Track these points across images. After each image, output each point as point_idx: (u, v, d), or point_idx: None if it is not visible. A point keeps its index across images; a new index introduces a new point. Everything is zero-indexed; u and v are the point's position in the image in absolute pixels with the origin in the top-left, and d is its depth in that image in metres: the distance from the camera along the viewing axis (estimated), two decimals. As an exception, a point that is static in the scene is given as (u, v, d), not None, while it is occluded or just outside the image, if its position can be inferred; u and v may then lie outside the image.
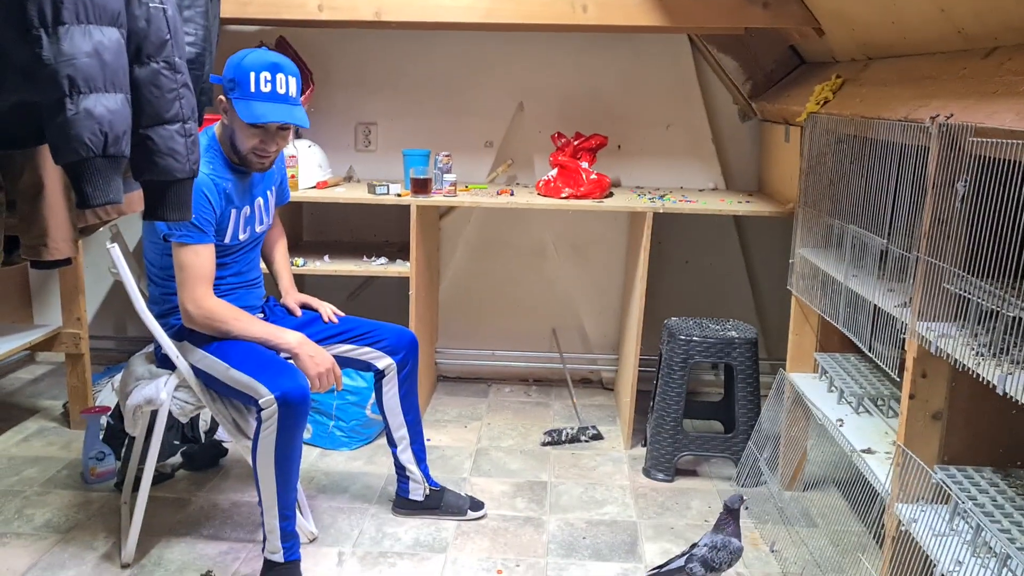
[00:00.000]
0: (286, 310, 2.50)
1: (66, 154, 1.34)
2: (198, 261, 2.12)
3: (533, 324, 3.76)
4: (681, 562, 2.14)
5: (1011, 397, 1.39)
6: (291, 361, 2.18)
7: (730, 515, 2.16)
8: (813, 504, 2.67)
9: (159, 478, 2.72)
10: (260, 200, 2.34)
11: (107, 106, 1.35)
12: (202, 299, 2.13)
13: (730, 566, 2.14)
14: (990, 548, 1.59)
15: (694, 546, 2.17)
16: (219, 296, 2.19)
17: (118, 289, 3.74)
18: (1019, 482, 1.76)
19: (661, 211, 2.99)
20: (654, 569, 2.19)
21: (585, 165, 3.15)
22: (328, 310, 2.51)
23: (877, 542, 2.01)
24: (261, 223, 2.35)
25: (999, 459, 1.83)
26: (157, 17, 1.46)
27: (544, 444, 3.14)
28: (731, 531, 2.15)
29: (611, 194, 3.24)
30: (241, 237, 2.27)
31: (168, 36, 1.47)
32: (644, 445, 3.05)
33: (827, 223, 2.41)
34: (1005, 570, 1.52)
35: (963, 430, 1.82)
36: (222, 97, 2.17)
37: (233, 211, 2.21)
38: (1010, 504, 1.66)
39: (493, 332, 3.79)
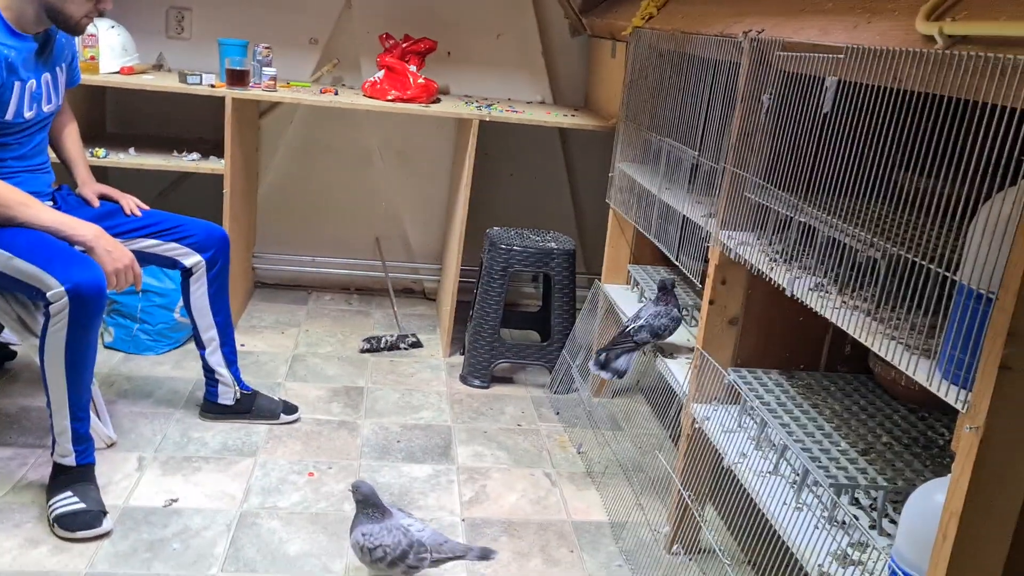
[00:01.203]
0: (82, 200, 2.31)
1: None
2: None
3: (356, 232, 3.68)
4: (630, 335, 2.20)
5: (798, 299, 1.49)
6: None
7: (666, 293, 2.23)
8: (619, 409, 2.80)
9: (-65, 381, 2.50)
10: (48, 76, 2.12)
11: None
12: None
13: (672, 333, 2.20)
14: (772, 442, 1.72)
15: (636, 320, 2.22)
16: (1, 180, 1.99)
17: None
18: (800, 383, 1.90)
19: (487, 119, 2.97)
20: (604, 348, 2.24)
21: (413, 69, 3.07)
22: (131, 202, 2.34)
23: (674, 442, 2.13)
24: (49, 102, 2.14)
25: (785, 362, 1.97)
26: None
27: (363, 351, 3.11)
28: (670, 303, 2.23)
29: (439, 100, 3.18)
30: (27, 115, 2.06)
31: None
32: (462, 353, 3.08)
33: (646, 137, 2.47)
34: (782, 461, 1.65)
35: (755, 335, 1.94)
36: None
37: (17, 83, 2.00)
38: (791, 403, 1.79)
39: (314, 239, 3.68)
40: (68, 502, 1.94)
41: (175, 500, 2.10)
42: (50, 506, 1.95)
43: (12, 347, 2.70)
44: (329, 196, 3.63)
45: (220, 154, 2.92)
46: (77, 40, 2.35)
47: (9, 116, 2.01)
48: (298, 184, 3.60)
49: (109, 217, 2.27)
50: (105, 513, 1.96)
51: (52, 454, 2.01)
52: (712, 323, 1.91)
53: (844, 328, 1.33)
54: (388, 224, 3.69)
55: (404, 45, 3.09)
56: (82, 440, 2.00)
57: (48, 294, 1.87)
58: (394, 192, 3.65)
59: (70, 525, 1.91)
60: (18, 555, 1.84)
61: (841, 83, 1.40)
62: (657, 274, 2.64)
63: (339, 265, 3.72)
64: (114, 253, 2.02)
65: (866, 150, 1.42)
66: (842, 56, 1.35)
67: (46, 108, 2.14)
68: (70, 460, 1.99)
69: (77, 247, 2.01)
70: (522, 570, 1.96)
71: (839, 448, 1.61)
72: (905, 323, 1.28)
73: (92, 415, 2.06)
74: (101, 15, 2.18)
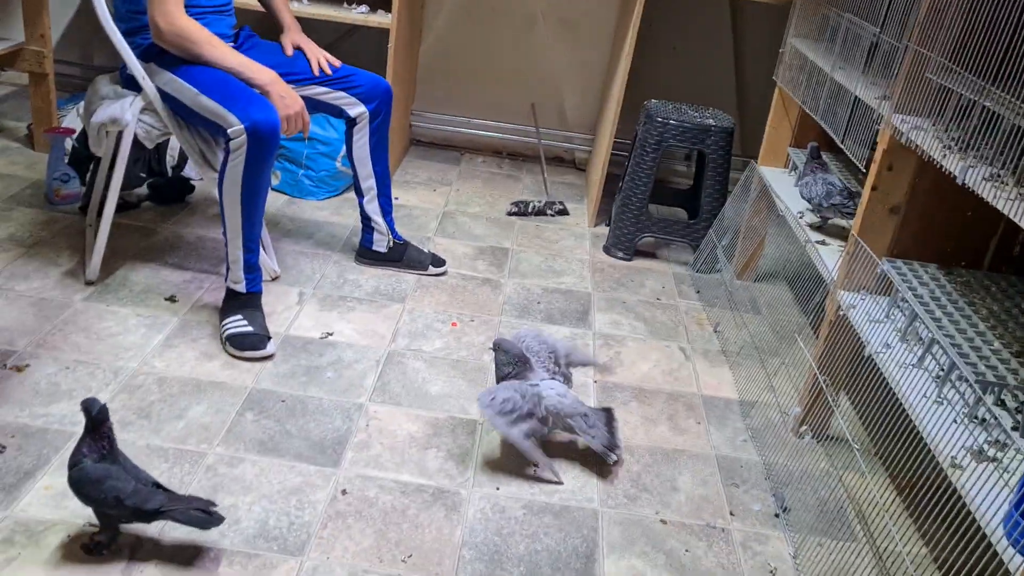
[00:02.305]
0: (260, 43, 2.41)
1: None
2: None
3: (513, 96, 3.69)
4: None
5: (970, 188, 1.42)
6: None
7: (814, 161, 2.27)
8: (761, 293, 2.77)
9: (125, 206, 2.73)
10: None
11: None
12: (173, 14, 2.04)
13: (835, 197, 2.18)
14: (919, 336, 1.68)
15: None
16: None
17: (84, 13, 3.58)
18: (959, 280, 1.83)
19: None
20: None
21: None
22: (321, 58, 2.43)
23: (814, 330, 2.11)
24: None
25: (946, 257, 1.90)
26: None
27: (510, 214, 3.18)
28: (819, 168, 2.25)
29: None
30: None
31: None
32: (608, 224, 3.10)
33: (824, 13, 2.34)
34: (928, 355, 1.62)
35: (916, 226, 1.87)
36: None
37: None
38: (946, 298, 1.73)
39: (471, 100, 3.72)
40: (238, 324, 2.13)
41: (330, 334, 2.26)
42: (223, 326, 2.15)
43: (192, 181, 2.91)
44: (489, 59, 3.64)
45: (388, 8, 2.96)
46: None
47: None
48: (459, 45, 3.62)
49: (286, 63, 2.37)
50: (269, 338, 2.13)
51: (226, 280, 2.19)
52: (872, 210, 1.84)
53: (1017, 221, 1.27)
54: (545, 90, 3.68)
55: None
56: (252, 269, 2.17)
57: (229, 131, 2.00)
58: (554, 58, 3.62)
59: (240, 344, 2.10)
60: (195, 366, 2.05)
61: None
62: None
63: (493, 128, 3.77)
64: (287, 99, 2.12)
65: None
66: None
67: None
68: (241, 287, 2.17)
69: (255, 89, 2.12)
70: (649, 435, 2.03)
71: (991, 347, 1.56)
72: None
73: (260, 249, 2.22)
74: None
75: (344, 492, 1.71)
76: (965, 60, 1.53)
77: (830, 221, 2.23)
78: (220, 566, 1.50)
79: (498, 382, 1.88)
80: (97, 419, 1.40)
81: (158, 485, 1.48)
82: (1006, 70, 1.42)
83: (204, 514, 1.47)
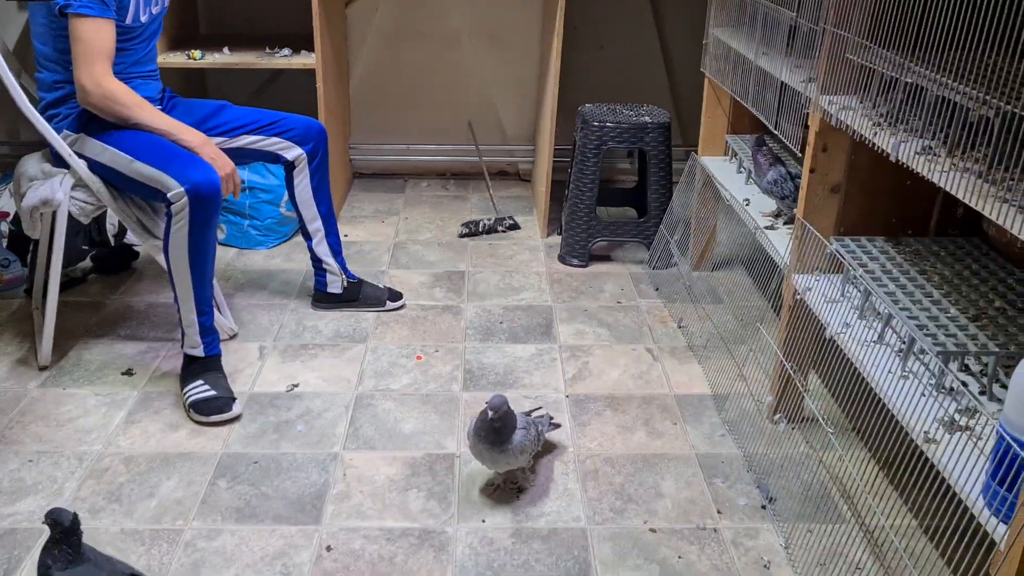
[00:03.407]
0: (187, 105, 2.38)
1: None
2: (99, 36, 1.99)
3: (449, 117, 3.68)
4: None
5: (904, 164, 1.43)
6: None
7: (761, 147, 2.30)
8: (719, 282, 2.78)
9: (70, 283, 2.68)
10: None
11: None
12: (101, 77, 2.01)
13: (783, 187, 2.20)
14: (876, 311, 1.70)
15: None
16: None
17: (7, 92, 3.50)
18: (908, 249, 1.85)
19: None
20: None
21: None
22: None
23: (776, 313, 2.12)
24: (158, 3, 2.20)
25: (892, 229, 1.92)
26: None
27: (462, 236, 3.17)
28: (770, 159, 2.26)
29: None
30: (142, 18, 2.13)
31: None
32: (559, 233, 3.10)
33: (741, 0, 2.36)
34: (888, 329, 1.63)
35: (859, 202, 1.89)
36: None
37: None
38: (898, 270, 1.75)
39: (408, 126, 3.70)
40: (200, 389, 2.09)
41: (296, 385, 2.23)
42: (185, 393, 2.11)
43: (136, 247, 2.86)
44: (420, 82, 3.62)
45: (311, 48, 2.94)
46: None
47: (128, 20, 2.08)
48: (389, 72, 3.60)
49: (212, 117, 2.34)
50: (234, 399, 2.10)
51: (182, 346, 2.15)
52: (813, 191, 1.86)
53: (953, 193, 1.28)
54: (480, 106, 3.67)
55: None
56: (208, 332, 2.13)
57: (169, 195, 1.97)
58: (485, 74, 3.61)
59: (204, 411, 2.06)
60: (161, 439, 2.01)
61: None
62: (756, 143, 2.57)
63: (433, 151, 3.75)
64: (218, 161, 2.09)
65: (978, 3, 1.33)
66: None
67: (155, 10, 2.20)
68: (199, 351, 2.13)
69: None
70: (627, 443, 2.03)
71: (948, 315, 1.58)
72: (1021, 184, 1.22)
73: (215, 308, 2.19)
74: None
75: (329, 548, 1.69)
76: (881, 37, 1.55)
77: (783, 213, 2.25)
78: (211, 646, 1.47)
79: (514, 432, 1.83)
80: (71, 530, 1.36)
81: (136, 575, 1.44)
82: (921, 43, 1.44)
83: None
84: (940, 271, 1.76)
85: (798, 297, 1.88)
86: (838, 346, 1.68)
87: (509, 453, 1.76)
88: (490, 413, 1.71)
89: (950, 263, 1.79)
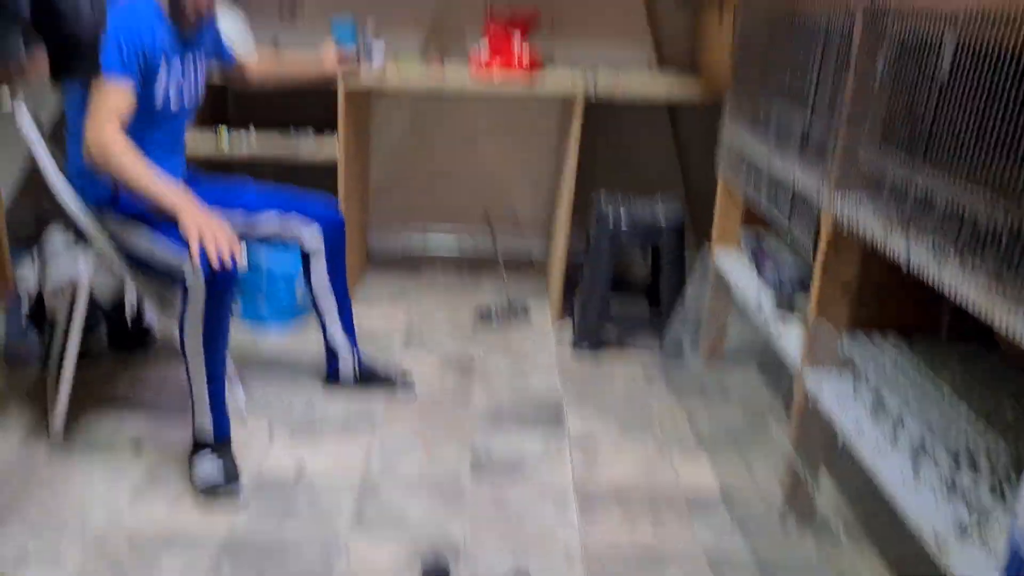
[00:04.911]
0: (209, 181, 2.43)
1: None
2: (114, 95, 2.03)
3: (465, 205, 3.75)
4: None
5: (914, 267, 1.45)
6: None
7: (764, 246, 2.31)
8: (730, 376, 2.78)
9: (85, 356, 2.69)
10: (192, 57, 2.25)
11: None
12: (102, 128, 2.00)
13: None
14: (888, 411, 1.69)
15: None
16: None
17: (35, 162, 3.59)
18: (920, 350, 1.85)
19: (593, 101, 2.96)
20: None
21: (518, 39, 3.09)
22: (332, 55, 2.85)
23: (787, 409, 2.11)
24: (190, 91, 2.26)
25: (904, 328, 1.93)
26: None
27: (474, 321, 3.19)
28: (776, 251, 2.28)
29: (543, 68, 3.19)
30: (173, 107, 2.19)
31: None
32: (572, 321, 3.12)
33: (755, 104, 2.43)
34: (899, 429, 1.63)
35: (872, 300, 1.91)
36: None
37: (164, 57, 2.12)
38: (910, 370, 1.76)
39: (425, 212, 3.77)
40: (208, 468, 2.09)
41: (304, 466, 2.22)
42: (192, 472, 2.10)
43: (152, 323, 2.89)
44: (438, 171, 3.71)
45: (333, 127, 3.02)
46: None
47: (159, 104, 2.15)
48: (408, 160, 3.69)
49: (233, 194, 2.39)
50: (241, 480, 2.09)
51: (192, 424, 2.15)
52: (825, 289, 1.88)
53: (961, 302, 1.30)
54: (496, 195, 3.74)
55: (508, 16, 3.11)
56: (219, 410, 2.13)
57: (185, 275, 2.00)
58: (501, 164, 3.70)
59: (211, 490, 2.06)
60: (167, 517, 2.00)
61: (959, 45, 1.35)
62: (771, 239, 2.60)
63: (450, 237, 3.81)
64: (203, 224, 1.99)
65: (988, 111, 1.37)
66: (960, 17, 1.31)
67: (187, 101, 2.25)
68: (209, 429, 2.13)
69: (167, 210, 2.03)
70: (633, 540, 2.00)
71: (961, 417, 1.58)
72: (1029, 292, 1.24)
73: (226, 386, 2.20)
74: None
75: (329, 636, 1.66)
76: (893, 140, 1.59)
77: (794, 306, 2.27)
78: None
79: None
80: None
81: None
82: (931, 148, 1.48)
83: None
84: (952, 374, 1.76)
85: (809, 394, 1.88)
86: (849, 445, 1.68)
87: None
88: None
89: (962, 366, 1.79)
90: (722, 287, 2.64)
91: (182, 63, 2.21)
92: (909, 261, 1.46)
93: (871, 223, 1.62)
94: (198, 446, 2.14)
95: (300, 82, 2.83)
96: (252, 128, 3.09)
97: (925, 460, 1.53)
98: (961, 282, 1.32)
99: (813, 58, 2.00)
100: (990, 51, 1.28)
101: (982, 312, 1.24)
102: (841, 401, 1.77)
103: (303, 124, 3.23)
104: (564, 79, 3.08)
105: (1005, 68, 1.26)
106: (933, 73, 1.45)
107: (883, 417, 1.71)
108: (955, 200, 1.39)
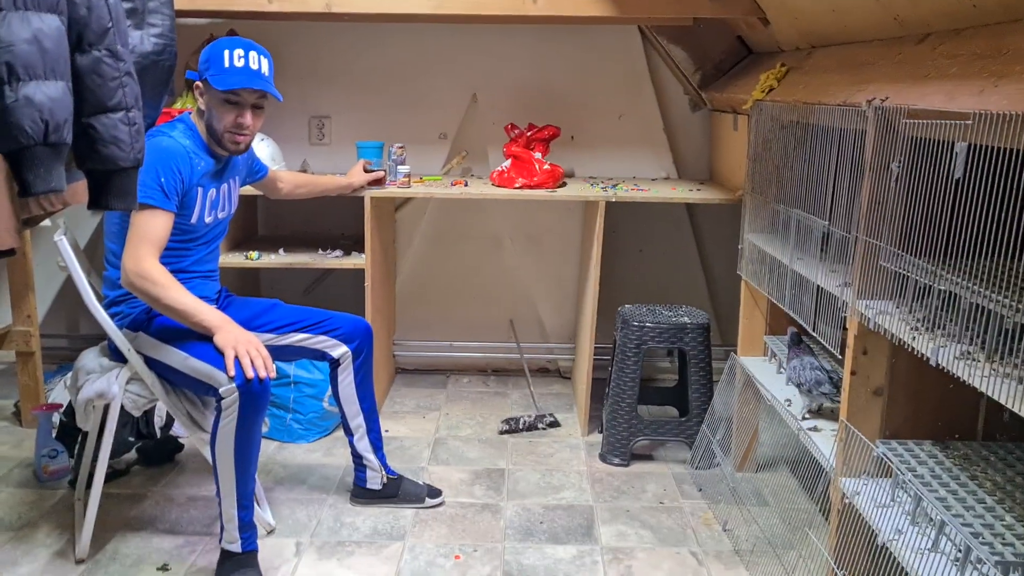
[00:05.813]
0: (240, 302, 2.48)
1: (6, 142, 1.33)
2: (152, 223, 2.10)
3: (490, 315, 3.78)
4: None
5: (944, 368, 1.44)
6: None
7: (796, 347, 2.30)
8: (764, 483, 2.73)
9: (114, 474, 2.70)
10: (226, 185, 2.35)
11: (48, 94, 1.34)
12: (142, 259, 2.07)
13: (822, 383, 2.17)
14: (929, 518, 1.65)
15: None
16: None
17: (70, 286, 3.69)
18: (956, 454, 1.82)
19: (613, 200, 3.02)
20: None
21: (539, 156, 3.17)
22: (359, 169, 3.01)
23: (825, 517, 2.06)
24: (224, 209, 2.36)
25: (938, 432, 1.89)
26: (99, 5, 1.45)
27: (502, 432, 3.17)
28: (802, 352, 2.27)
29: (564, 184, 3.26)
30: (207, 220, 2.28)
31: (110, 24, 1.46)
32: (600, 431, 3.09)
33: (773, 208, 2.46)
34: (942, 536, 1.58)
35: (904, 405, 1.88)
36: (198, 83, 2.23)
37: (200, 188, 2.21)
38: (947, 475, 1.72)
39: (451, 323, 3.80)
40: (236, 585, 2.06)
41: (331, 585, 2.18)
42: (219, 589, 2.07)
43: (180, 439, 2.90)
44: (463, 281, 3.76)
45: (361, 249, 3.09)
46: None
47: (193, 220, 2.23)
48: (434, 272, 3.75)
49: (263, 315, 2.44)
50: (268, 598, 2.06)
51: (220, 540, 2.13)
52: (856, 394, 1.86)
53: (995, 398, 1.29)
54: (521, 305, 3.77)
55: (529, 133, 3.20)
56: (247, 527, 2.12)
57: (220, 389, 2.02)
58: (526, 274, 3.74)
59: (237, 610, 2.02)
60: (191, 640, 1.96)
61: (972, 147, 1.38)
62: (795, 344, 2.60)
63: (475, 348, 3.82)
64: (240, 341, 2.07)
65: (1004, 211, 1.39)
66: (970, 122, 1.34)
67: (221, 215, 2.36)
68: (236, 547, 2.11)
69: (204, 331, 2.11)
70: (673, 654, 1.93)
71: (1003, 523, 1.53)
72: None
73: (254, 503, 2.19)
74: (242, 129, 2.26)
75: None
76: (913, 245, 1.60)
77: (823, 407, 2.24)
78: None
79: None
80: None
81: None
82: (952, 249, 1.49)
83: None
84: (991, 477, 1.72)
85: (847, 501, 1.83)
86: (891, 553, 1.63)
87: None
88: None
89: (1001, 469, 1.75)
90: (751, 391, 2.62)
91: (218, 191, 2.30)
92: (938, 363, 1.45)
93: (897, 326, 1.62)
94: (226, 563, 2.12)
95: (329, 193, 2.93)
96: (282, 251, 3.15)
97: (971, 568, 1.48)
98: (992, 381, 1.31)
99: (827, 161, 2.04)
100: (1002, 152, 1.31)
101: (1017, 408, 1.23)
102: (879, 506, 1.73)
103: (332, 240, 3.31)
104: (585, 190, 3.15)
105: (1018, 169, 1.28)
106: (946, 176, 1.48)
107: (924, 522, 1.66)
108: (979, 302, 1.39)
